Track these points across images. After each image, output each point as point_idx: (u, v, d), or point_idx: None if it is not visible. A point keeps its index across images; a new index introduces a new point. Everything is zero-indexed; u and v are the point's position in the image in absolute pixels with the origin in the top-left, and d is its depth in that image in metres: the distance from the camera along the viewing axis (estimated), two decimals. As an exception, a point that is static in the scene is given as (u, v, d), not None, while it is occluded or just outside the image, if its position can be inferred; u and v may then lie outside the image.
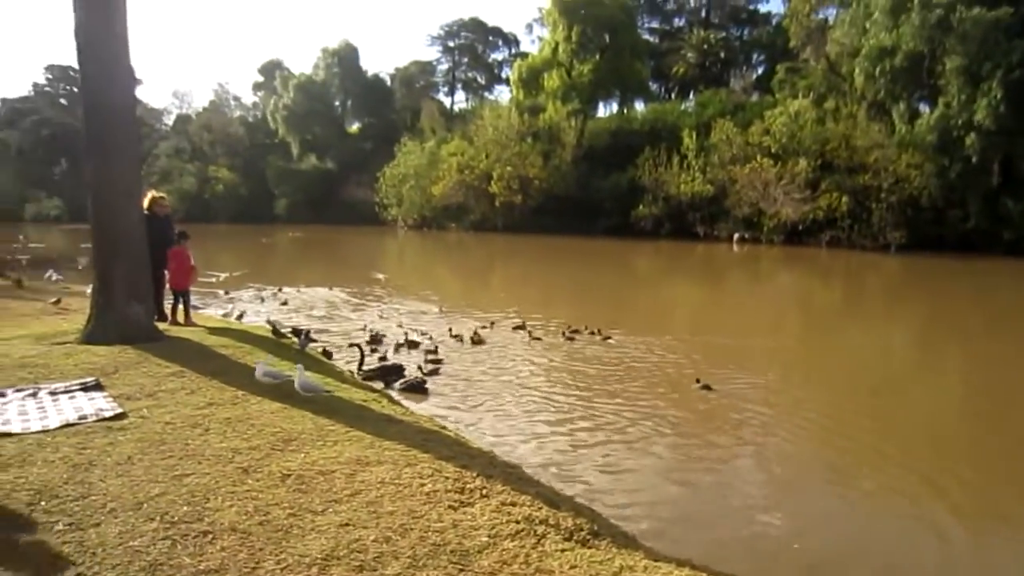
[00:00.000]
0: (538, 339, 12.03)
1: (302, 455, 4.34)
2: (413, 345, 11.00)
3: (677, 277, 26.59)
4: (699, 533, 5.40)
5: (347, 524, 3.45)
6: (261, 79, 70.57)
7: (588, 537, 3.73)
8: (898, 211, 33.02)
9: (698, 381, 9.30)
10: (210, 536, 3.26)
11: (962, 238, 32.13)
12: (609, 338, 11.99)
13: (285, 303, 16.00)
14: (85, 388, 5.56)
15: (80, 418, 4.82)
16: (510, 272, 27.94)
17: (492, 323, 13.26)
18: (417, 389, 8.56)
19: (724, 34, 59.66)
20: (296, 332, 9.62)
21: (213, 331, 8.57)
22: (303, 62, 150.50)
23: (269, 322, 10.65)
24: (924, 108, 35.81)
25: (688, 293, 22.26)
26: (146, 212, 8.40)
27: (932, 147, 33.08)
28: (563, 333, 12.41)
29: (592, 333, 12.41)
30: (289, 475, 4.00)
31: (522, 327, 12.84)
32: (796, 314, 18.58)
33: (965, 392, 10.56)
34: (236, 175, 65.09)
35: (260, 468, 4.09)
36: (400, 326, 12.68)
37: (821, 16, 42.94)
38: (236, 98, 74.98)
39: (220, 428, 4.78)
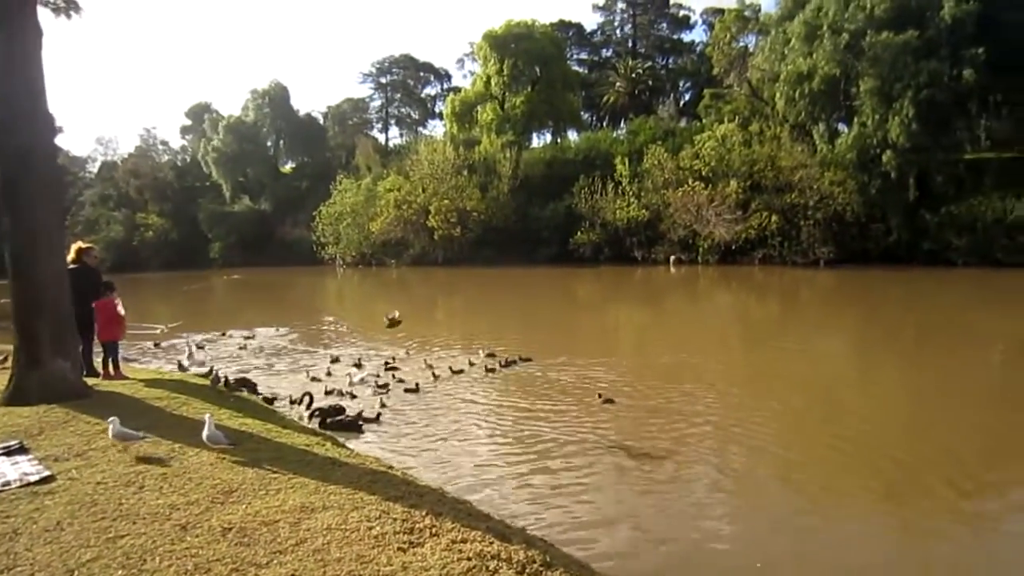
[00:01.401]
0: (491, 370, 12.07)
1: (244, 506, 4.20)
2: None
3: (618, 301, 26.94)
4: (652, 552, 5.43)
5: (293, 575, 3.34)
6: (189, 122, 69.23)
7: (540, 569, 3.70)
8: (825, 227, 34.27)
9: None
10: (147, 600, 3.11)
11: (886, 250, 33.50)
12: (529, 359, 12.14)
13: (243, 347, 15.61)
14: (8, 452, 5.28)
15: (2, 484, 4.57)
16: (453, 305, 27.88)
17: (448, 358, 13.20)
18: (351, 427, 8.47)
19: (651, 63, 61.52)
20: (217, 380, 9.31)
21: (147, 383, 8.27)
22: (232, 104, 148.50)
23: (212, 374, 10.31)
24: (843, 128, 37.38)
25: (630, 316, 22.59)
26: (74, 264, 8.11)
27: (852, 165, 34.51)
28: (499, 363, 12.47)
29: (525, 360, 12.54)
30: (231, 528, 3.86)
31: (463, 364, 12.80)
32: (735, 329, 19.05)
33: (899, 396, 10.96)
34: (166, 221, 63.36)
35: (199, 523, 3.94)
36: (358, 365, 12.51)
37: (742, 44, 44.66)
38: (164, 142, 73.29)
39: (156, 484, 4.60)
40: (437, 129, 67.93)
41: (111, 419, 5.35)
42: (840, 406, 10.21)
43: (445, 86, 73.34)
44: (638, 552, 5.45)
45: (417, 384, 10.91)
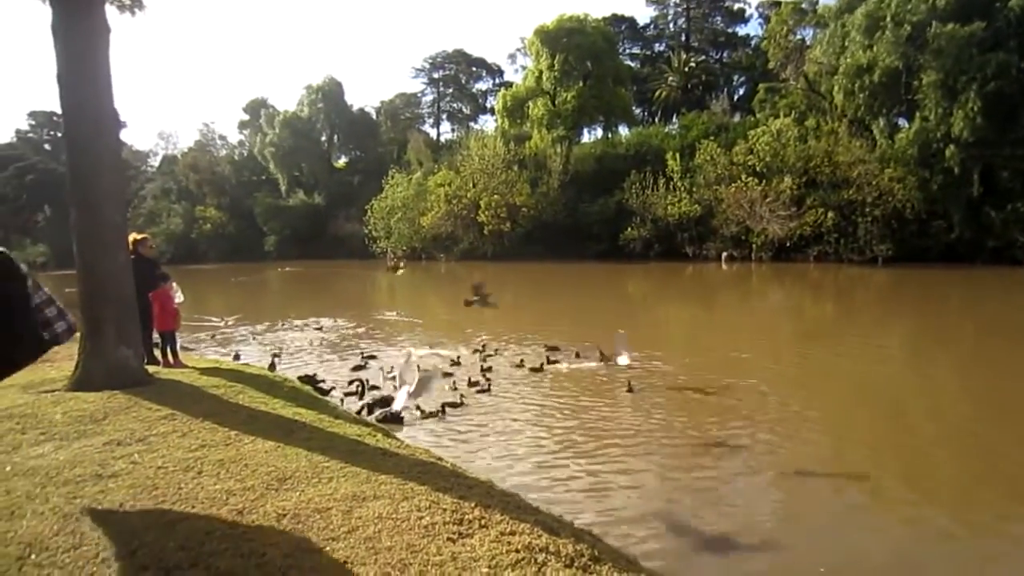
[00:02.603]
0: (554, 361, 12.07)
1: (297, 493, 4.28)
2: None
3: (669, 298, 26.65)
4: (703, 552, 5.36)
5: (345, 562, 3.39)
6: (247, 117, 70.83)
7: (589, 563, 3.68)
8: (883, 224, 33.33)
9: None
10: (206, 581, 3.20)
11: (947, 248, 32.42)
12: (609, 359, 11.93)
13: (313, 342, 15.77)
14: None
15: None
16: (503, 299, 27.94)
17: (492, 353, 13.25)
18: (394, 420, 8.57)
19: (704, 57, 60.63)
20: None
21: (204, 372, 8.50)
22: (288, 99, 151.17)
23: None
24: (903, 123, 36.30)
25: (679, 313, 22.31)
26: (131, 255, 8.37)
27: (913, 160, 33.51)
28: (561, 358, 12.45)
29: (579, 357, 12.47)
30: (285, 515, 3.95)
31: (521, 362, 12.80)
32: (788, 327, 18.65)
33: (960, 399, 10.60)
34: (224, 214, 65.05)
35: (255, 509, 4.03)
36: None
37: (799, 36, 43.68)
38: (222, 137, 75.16)
39: (213, 470, 4.72)
40: (488, 124, 68.21)
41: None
42: (895, 408, 9.92)
43: (496, 81, 73.51)
44: (688, 551, 5.39)
45: (486, 380, 10.79)
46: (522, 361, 12.24)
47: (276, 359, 12.54)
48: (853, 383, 11.42)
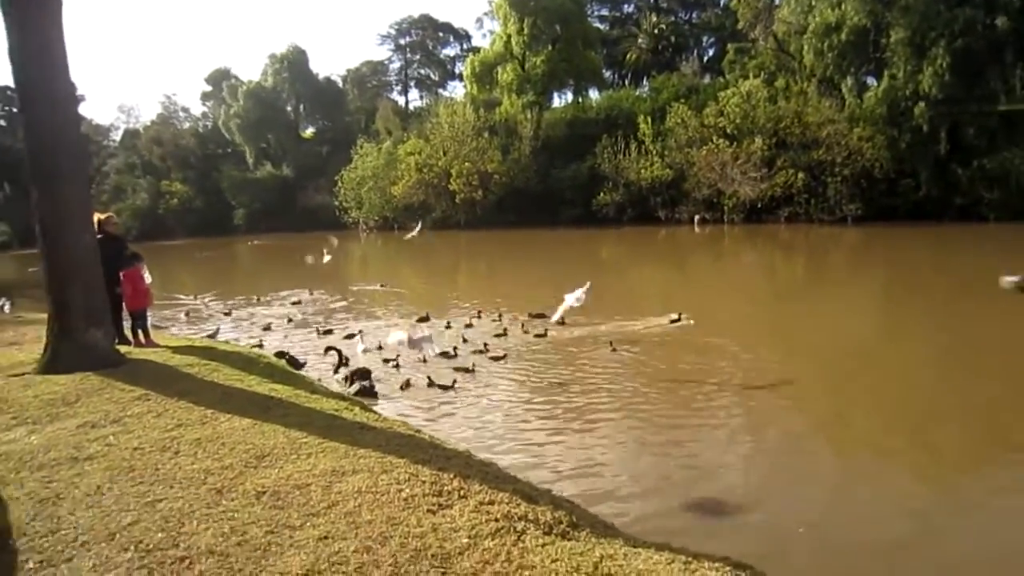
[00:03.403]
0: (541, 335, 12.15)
1: (276, 470, 4.29)
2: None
3: (642, 262, 26.83)
4: (679, 514, 5.48)
5: (326, 537, 3.42)
6: (209, 88, 69.17)
7: (568, 530, 3.75)
8: (852, 184, 33.60)
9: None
10: (187, 561, 3.21)
11: (915, 206, 32.80)
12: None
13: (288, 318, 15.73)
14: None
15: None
16: (476, 268, 27.94)
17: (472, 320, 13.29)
18: (368, 393, 8.63)
19: (674, 19, 60.10)
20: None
21: (177, 351, 8.42)
22: (251, 69, 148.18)
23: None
24: (872, 81, 36.45)
25: (653, 276, 22.49)
26: (97, 234, 8.21)
27: (882, 119, 33.71)
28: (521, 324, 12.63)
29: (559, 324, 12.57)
30: (264, 492, 3.95)
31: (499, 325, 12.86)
32: (761, 288, 18.93)
33: (929, 352, 10.91)
34: (190, 188, 63.79)
35: (234, 487, 4.03)
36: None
37: (769, -4, 43.48)
38: (185, 109, 73.28)
39: (190, 449, 4.70)
40: (457, 91, 67.41)
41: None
42: (869, 362, 10.16)
43: (464, 47, 72.35)
44: (664, 513, 5.51)
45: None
46: (524, 327, 12.41)
47: (261, 341, 12.45)
48: (826, 341, 11.64)
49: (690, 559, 3.46)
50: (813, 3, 36.72)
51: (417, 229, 29.58)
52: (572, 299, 11.03)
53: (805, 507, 5.55)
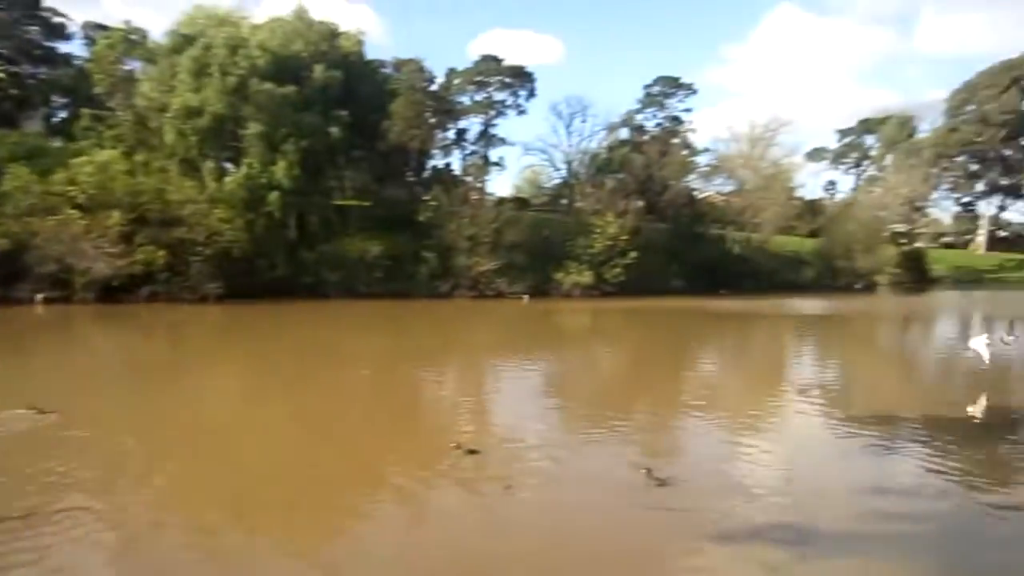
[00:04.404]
0: None
1: None
2: None
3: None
4: None
5: None
6: None
7: None
8: (214, 263, 34.41)
9: None
10: None
11: (271, 285, 35.44)
12: None
13: None
14: None
15: None
16: None
17: None
18: None
19: (17, 69, 52.90)
20: None
21: None
22: None
23: None
24: (232, 167, 38.42)
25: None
26: None
27: (241, 203, 35.82)
28: None
29: None
30: None
31: None
32: (117, 373, 17.61)
33: (288, 419, 11.76)
34: None
35: None
36: None
37: (128, 67, 42.13)
38: None
39: None
40: None
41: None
42: (231, 440, 10.36)
43: None
44: None
45: None
46: None
47: None
48: (188, 424, 11.47)
49: None
50: (175, 84, 37.11)
51: None
52: None
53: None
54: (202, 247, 34.25)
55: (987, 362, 14.45)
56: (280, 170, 35.96)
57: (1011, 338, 16.95)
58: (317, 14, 42.28)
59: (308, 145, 36.57)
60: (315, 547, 7.02)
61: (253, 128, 36.25)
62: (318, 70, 37.99)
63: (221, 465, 9.23)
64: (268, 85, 36.14)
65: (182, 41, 38.19)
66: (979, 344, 14.47)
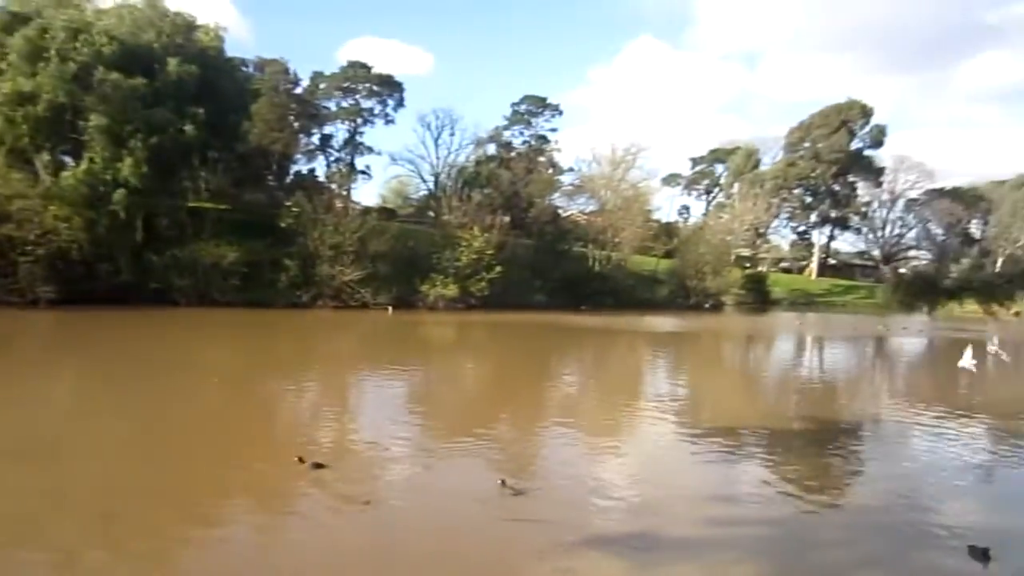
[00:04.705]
0: None
1: None
2: None
3: None
4: None
5: None
6: None
7: None
8: (47, 265, 31.47)
9: None
10: None
11: (113, 289, 32.78)
12: None
13: None
14: None
15: None
16: None
17: None
18: None
19: None
20: None
21: None
22: None
23: None
24: (71, 161, 35.42)
25: None
26: None
27: (81, 201, 32.98)
28: None
29: None
30: None
31: None
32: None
33: (123, 431, 10.92)
34: None
35: None
36: None
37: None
38: None
39: None
40: None
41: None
42: (56, 455, 9.45)
43: None
44: None
45: None
46: None
47: None
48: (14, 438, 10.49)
49: None
50: (4, 68, 33.77)
51: None
52: None
53: None
54: (34, 246, 31.19)
55: (975, 372, 19.01)
56: (127, 167, 33.33)
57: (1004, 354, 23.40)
58: (172, 4, 39.80)
59: (159, 142, 34.14)
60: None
61: (96, 120, 33.38)
62: (172, 63, 35.61)
63: (40, 480, 8.43)
64: (115, 75, 33.44)
65: (11, 20, 34.76)
66: (967, 362, 18.53)
